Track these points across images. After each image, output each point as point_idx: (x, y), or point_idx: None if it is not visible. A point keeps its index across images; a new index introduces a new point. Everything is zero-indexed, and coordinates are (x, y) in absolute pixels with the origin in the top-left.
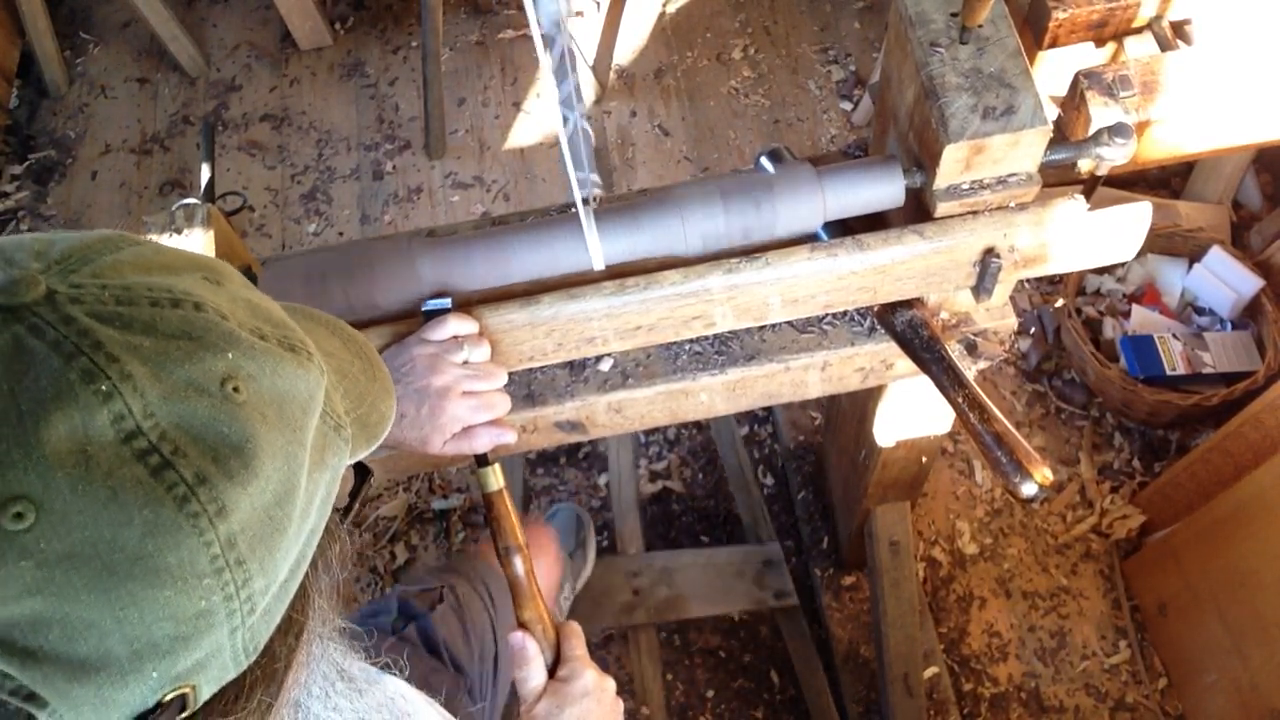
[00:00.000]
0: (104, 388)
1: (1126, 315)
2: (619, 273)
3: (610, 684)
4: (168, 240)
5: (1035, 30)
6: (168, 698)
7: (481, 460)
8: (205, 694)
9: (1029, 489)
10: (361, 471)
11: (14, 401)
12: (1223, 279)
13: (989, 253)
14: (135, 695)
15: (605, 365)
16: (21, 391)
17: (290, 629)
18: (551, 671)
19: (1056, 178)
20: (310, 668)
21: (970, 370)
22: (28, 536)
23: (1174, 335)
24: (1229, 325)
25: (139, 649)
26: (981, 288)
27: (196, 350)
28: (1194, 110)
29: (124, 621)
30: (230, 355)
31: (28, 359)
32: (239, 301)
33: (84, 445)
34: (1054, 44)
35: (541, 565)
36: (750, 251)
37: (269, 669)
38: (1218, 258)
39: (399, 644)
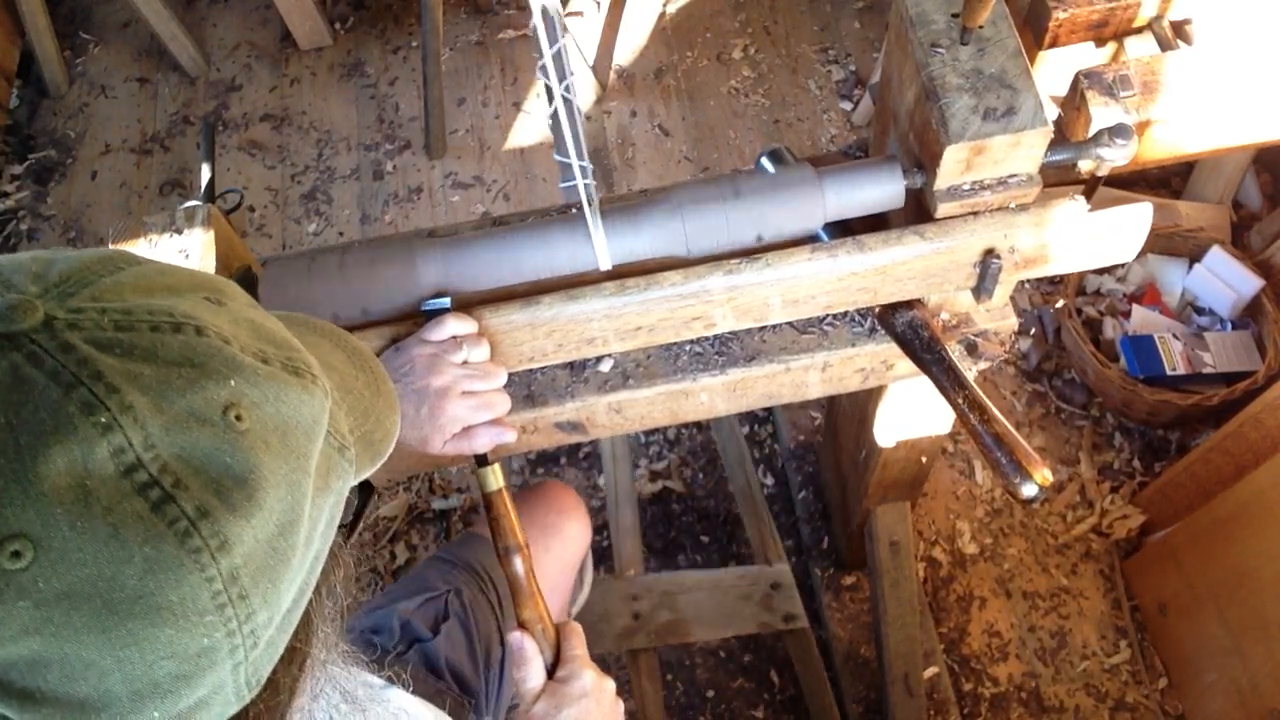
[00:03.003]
0: (104, 419)
1: (1127, 315)
2: (619, 273)
3: (610, 684)
4: (168, 240)
5: (1035, 30)
6: None
7: (481, 460)
8: None
9: (1029, 490)
10: (365, 489)
11: (12, 435)
12: (1223, 279)
13: (989, 253)
14: None
15: (605, 366)
16: (20, 424)
17: (294, 659)
18: (551, 671)
19: (1057, 178)
20: (313, 695)
21: (970, 371)
22: (25, 575)
23: (1174, 335)
24: (1229, 325)
25: (140, 689)
26: (982, 288)
27: (199, 378)
28: (1194, 110)
29: (124, 661)
30: (233, 382)
31: (26, 389)
32: (241, 323)
33: (83, 480)
34: (1054, 44)
35: (563, 533)
36: (751, 252)
37: (272, 702)
38: (1218, 258)
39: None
